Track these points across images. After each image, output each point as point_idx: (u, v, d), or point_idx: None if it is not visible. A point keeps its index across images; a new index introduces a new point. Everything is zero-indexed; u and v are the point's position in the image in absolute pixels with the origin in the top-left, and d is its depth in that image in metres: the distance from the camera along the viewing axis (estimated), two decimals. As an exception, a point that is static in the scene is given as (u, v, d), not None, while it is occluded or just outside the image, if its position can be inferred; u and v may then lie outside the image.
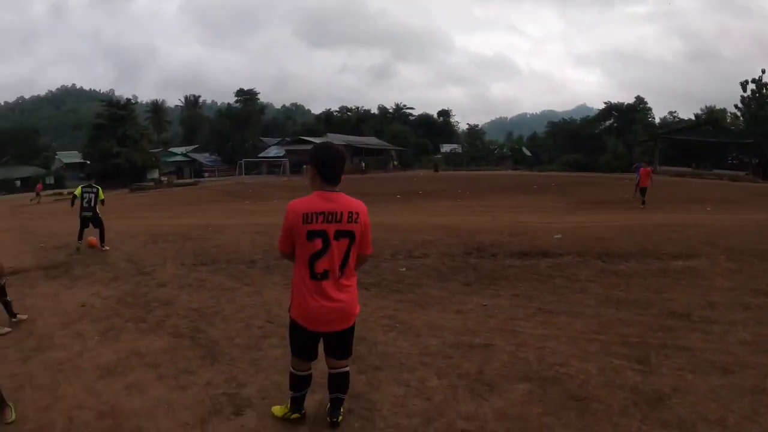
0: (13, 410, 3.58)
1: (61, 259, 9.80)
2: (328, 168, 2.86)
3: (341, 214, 2.80)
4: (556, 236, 9.77)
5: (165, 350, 4.78)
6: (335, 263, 2.83)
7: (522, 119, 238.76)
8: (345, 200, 2.86)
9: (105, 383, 4.11)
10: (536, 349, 4.48)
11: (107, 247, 10.58)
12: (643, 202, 17.32)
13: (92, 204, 10.69)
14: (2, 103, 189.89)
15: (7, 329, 5.73)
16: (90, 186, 10.92)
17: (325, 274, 2.83)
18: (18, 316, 6.03)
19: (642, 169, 18.30)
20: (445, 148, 74.97)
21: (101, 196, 10.87)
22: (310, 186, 2.94)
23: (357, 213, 2.86)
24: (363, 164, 57.41)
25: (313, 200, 2.83)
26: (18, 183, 52.82)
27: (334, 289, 2.85)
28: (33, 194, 36.62)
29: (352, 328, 3.04)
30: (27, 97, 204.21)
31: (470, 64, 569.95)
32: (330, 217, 2.78)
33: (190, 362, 4.45)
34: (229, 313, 5.85)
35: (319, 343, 3.05)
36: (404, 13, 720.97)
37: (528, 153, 76.42)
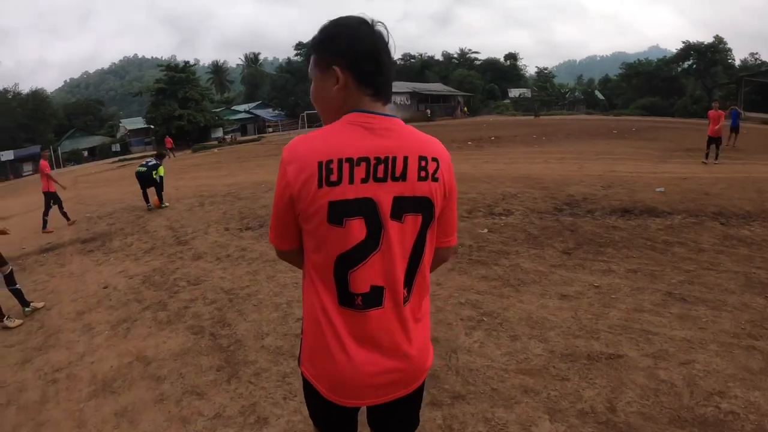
0: None
1: (102, 229, 9.38)
2: (372, 62, 1.33)
3: (404, 161, 1.31)
4: (658, 189, 8.51)
5: (176, 355, 3.88)
6: (396, 271, 1.34)
7: (592, 62, 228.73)
8: (409, 134, 1.36)
9: (95, 405, 3.40)
10: (681, 365, 3.09)
11: (166, 204, 11.01)
12: (707, 156, 13.47)
13: (149, 164, 11.19)
14: (68, 80, 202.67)
15: (17, 321, 5.20)
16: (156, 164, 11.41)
17: (374, 297, 1.34)
18: (32, 305, 5.51)
19: (712, 111, 14.22)
20: (514, 92, 71.51)
21: (161, 172, 11.10)
22: (328, 108, 1.40)
23: (437, 159, 1.36)
24: (428, 111, 55.70)
25: (339, 133, 1.31)
26: (85, 153, 55.04)
27: (396, 327, 1.37)
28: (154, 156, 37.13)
29: (420, 389, 1.52)
30: (91, 71, 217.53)
31: (534, 6, 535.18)
32: (380, 167, 1.29)
33: (201, 376, 3.51)
34: (264, 296, 4.89)
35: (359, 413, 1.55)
36: None
37: (601, 96, 71.64)
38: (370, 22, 1.35)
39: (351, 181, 1.26)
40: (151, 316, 4.73)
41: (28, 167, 45.28)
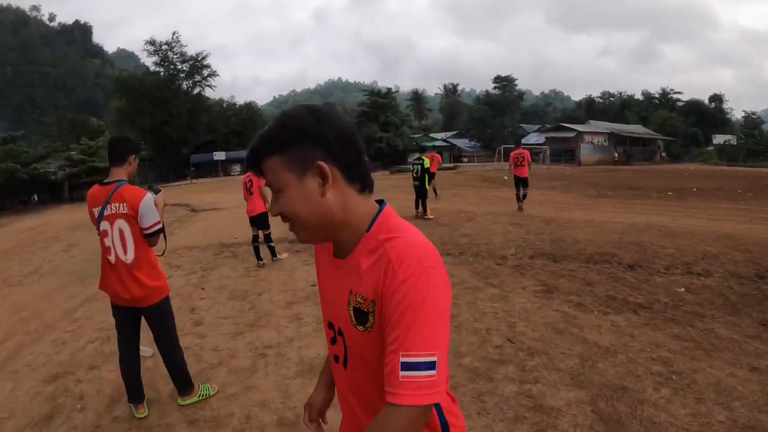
0: (146, 407, 3.53)
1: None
2: (353, 147, 1.14)
3: None
4: None
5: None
6: None
7: None
8: None
9: (301, 383, 3.81)
10: None
11: (430, 216, 11.85)
12: None
13: (419, 174, 12.03)
14: (278, 96, 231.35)
15: (284, 255, 7.85)
16: (418, 158, 12.43)
17: None
18: (278, 256, 8.02)
19: None
20: (718, 139, 64.22)
21: (426, 164, 12.02)
22: (319, 223, 1.14)
23: None
24: (616, 155, 53.32)
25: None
26: (288, 162, 62.10)
27: None
28: None
29: None
30: (298, 90, 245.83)
31: (741, 40, 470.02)
32: None
33: None
34: (464, 319, 4.98)
35: None
36: None
37: (820, 147, 59.89)
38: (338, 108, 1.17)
39: None
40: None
41: (236, 167, 52.87)
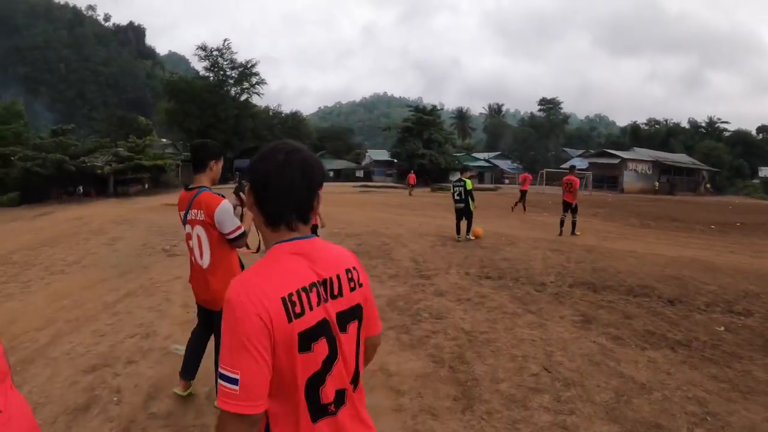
0: (188, 389, 3.82)
1: (350, 247, 10.40)
2: (262, 187, 1.45)
3: (338, 279, 1.49)
4: None
5: (417, 375, 4.32)
6: (350, 372, 1.53)
7: None
8: (329, 251, 1.54)
9: None
10: None
11: (472, 237, 11.88)
12: None
13: (462, 196, 11.99)
14: (323, 107, 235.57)
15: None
16: (459, 180, 12.39)
17: (339, 399, 1.49)
18: None
19: None
20: (764, 171, 64.08)
21: (469, 186, 12.06)
22: (260, 235, 1.64)
23: (356, 268, 1.56)
24: (656, 184, 52.49)
25: (285, 263, 1.43)
26: (331, 174, 62.98)
27: (356, 416, 1.55)
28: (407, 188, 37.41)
29: None
30: (344, 102, 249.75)
31: None
32: (323, 289, 1.45)
33: (438, 400, 3.87)
34: (502, 344, 5.10)
35: None
36: (708, 14, 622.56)
37: None
38: (294, 149, 1.47)
39: (311, 308, 1.39)
40: (395, 336, 5.29)
41: None
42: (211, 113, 51.93)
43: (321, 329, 1.41)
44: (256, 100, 59.36)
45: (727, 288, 7.51)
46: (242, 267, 3.50)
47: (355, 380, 1.54)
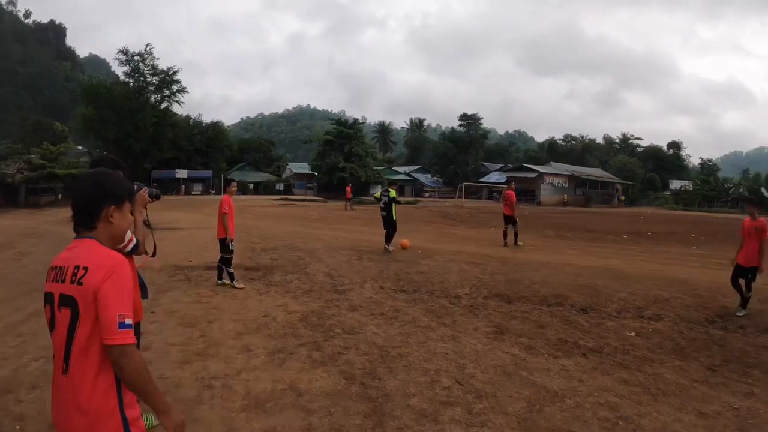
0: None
1: (264, 262, 10.28)
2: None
3: (67, 269, 1.94)
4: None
5: (327, 393, 4.17)
6: (59, 347, 1.92)
7: (760, 154, 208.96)
8: (82, 250, 1.98)
9: (246, 418, 3.79)
10: None
11: (391, 248, 12.17)
12: None
13: (387, 204, 12.52)
14: (246, 117, 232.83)
15: (241, 285, 7.82)
16: (386, 190, 12.90)
17: (56, 362, 1.95)
18: (236, 282, 8.13)
19: None
20: (675, 184, 70.60)
21: (392, 194, 12.59)
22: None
23: (86, 268, 1.90)
24: (566, 196, 56.92)
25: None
26: (251, 186, 61.92)
27: (61, 389, 1.92)
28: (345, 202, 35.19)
29: None
30: (267, 113, 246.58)
31: (700, 91, 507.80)
32: (57, 272, 1.98)
33: (348, 418, 3.75)
34: (414, 359, 5.04)
35: None
36: (625, 38, 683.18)
37: (768, 194, 64.51)
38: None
39: (47, 279, 1.98)
40: (306, 353, 5.11)
41: (197, 187, 54.14)
42: (130, 121, 49.45)
43: (47, 297, 1.97)
44: (176, 108, 57.13)
45: (638, 294, 7.88)
46: None
47: (66, 359, 1.85)
